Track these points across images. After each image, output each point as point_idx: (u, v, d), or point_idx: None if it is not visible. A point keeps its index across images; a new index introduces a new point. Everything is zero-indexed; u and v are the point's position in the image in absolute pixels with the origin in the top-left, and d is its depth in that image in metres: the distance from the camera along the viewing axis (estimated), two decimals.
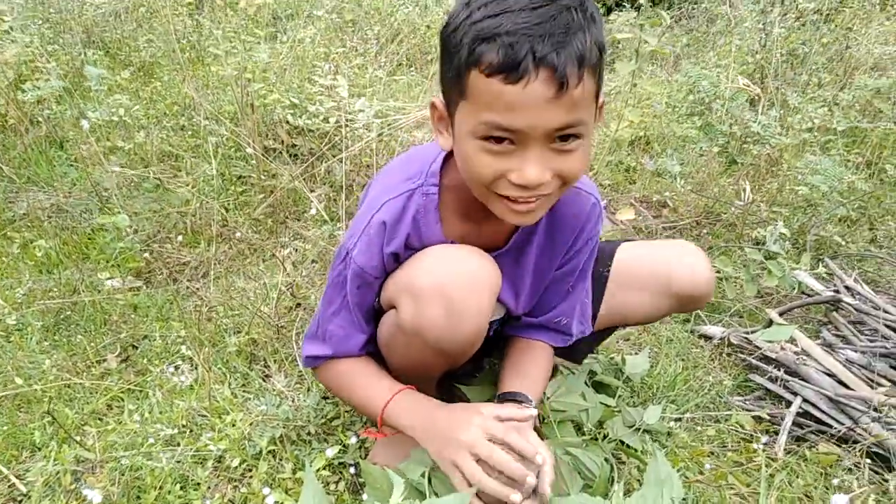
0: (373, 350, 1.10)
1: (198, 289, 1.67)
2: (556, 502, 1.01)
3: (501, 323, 1.24)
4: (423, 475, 1.09)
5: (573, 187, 1.00)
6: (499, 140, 0.77)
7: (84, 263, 1.71)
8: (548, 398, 1.36)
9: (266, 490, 1.05)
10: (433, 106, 0.87)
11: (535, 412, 1.00)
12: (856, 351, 1.54)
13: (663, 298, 1.20)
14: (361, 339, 1.05)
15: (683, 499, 1.23)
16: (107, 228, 1.63)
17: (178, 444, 1.16)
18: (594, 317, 1.26)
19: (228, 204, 2.01)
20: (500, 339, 1.30)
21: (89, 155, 2.09)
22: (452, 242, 0.97)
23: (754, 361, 1.62)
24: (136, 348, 1.45)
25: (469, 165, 0.81)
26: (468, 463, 0.90)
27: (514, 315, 1.16)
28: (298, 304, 1.65)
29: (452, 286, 0.86)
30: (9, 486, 1.07)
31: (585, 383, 1.45)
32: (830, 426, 1.42)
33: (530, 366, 1.14)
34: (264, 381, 1.40)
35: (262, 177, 2.08)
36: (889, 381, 1.47)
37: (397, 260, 0.97)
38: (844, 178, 2.14)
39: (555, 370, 1.41)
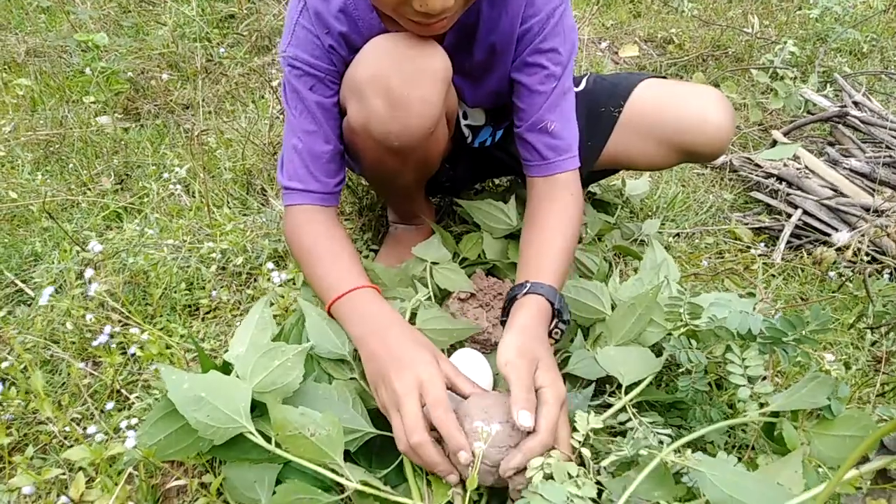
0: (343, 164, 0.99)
1: (188, 123, 1.63)
2: None
3: (494, 137, 1.18)
4: (424, 270, 1.12)
5: None
6: None
7: (68, 104, 1.66)
8: None
9: (273, 269, 1.06)
10: None
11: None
12: (859, 161, 1.52)
13: (670, 149, 1.12)
14: (328, 149, 0.93)
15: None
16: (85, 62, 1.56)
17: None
18: (596, 157, 1.17)
19: (212, 41, 1.92)
20: (494, 158, 1.24)
21: None
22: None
23: (756, 177, 1.60)
24: (130, 176, 1.43)
25: None
26: (397, 420, 0.73)
27: (501, 124, 1.09)
28: None
29: (390, 74, 0.78)
30: (16, 291, 1.08)
31: (585, 201, 1.44)
32: (829, 235, 1.43)
33: (547, 245, 0.95)
34: (263, 205, 1.39)
35: (245, 11, 1.97)
36: (891, 187, 1.46)
37: (344, 62, 0.88)
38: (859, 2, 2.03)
39: None
